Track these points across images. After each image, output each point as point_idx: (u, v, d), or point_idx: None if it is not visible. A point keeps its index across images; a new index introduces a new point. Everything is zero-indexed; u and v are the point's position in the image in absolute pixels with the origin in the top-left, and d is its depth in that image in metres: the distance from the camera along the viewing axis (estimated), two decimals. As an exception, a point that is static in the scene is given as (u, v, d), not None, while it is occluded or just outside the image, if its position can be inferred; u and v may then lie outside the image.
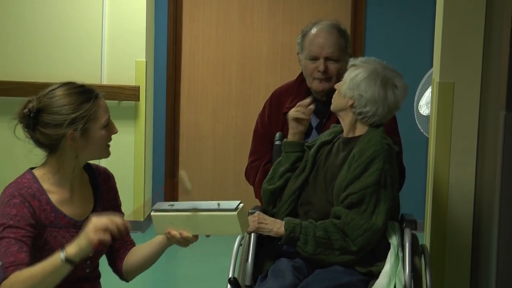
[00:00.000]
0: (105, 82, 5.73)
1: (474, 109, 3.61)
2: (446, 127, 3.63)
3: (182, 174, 2.42)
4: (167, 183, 6.29)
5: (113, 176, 2.56)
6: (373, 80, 2.91)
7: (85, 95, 2.33)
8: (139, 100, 5.75)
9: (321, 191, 2.93)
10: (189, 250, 5.18)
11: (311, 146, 3.07)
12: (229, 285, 2.87)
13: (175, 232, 2.32)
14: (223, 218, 2.28)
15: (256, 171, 3.42)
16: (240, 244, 3.10)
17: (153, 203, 6.46)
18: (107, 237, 2.16)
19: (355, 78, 2.91)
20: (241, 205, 2.30)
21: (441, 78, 3.63)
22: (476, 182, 3.62)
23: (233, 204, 2.30)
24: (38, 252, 2.29)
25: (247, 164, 3.49)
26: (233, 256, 3.03)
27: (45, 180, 2.36)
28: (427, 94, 4.70)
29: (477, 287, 3.56)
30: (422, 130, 4.81)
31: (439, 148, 3.65)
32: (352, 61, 3.00)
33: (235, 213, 2.27)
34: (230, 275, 2.91)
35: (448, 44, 3.61)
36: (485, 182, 3.40)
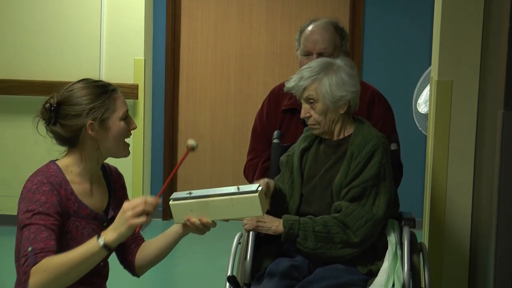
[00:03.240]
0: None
1: (473, 107, 3.61)
2: (445, 125, 3.63)
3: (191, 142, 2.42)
4: (166, 181, 6.29)
5: (122, 175, 2.61)
6: (350, 69, 2.90)
7: (102, 88, 2.41)
8: (137, 98, 5.75)
9: (319, 199, 2.92)
10: (188, 248, 5.18)
11: (290, 155, 3.03)
12: (227, 283, 2.87)
13: (194, 219, 2.35)
14: (244, 200, 2.34)
15: (254, 169, 3.42)
16: (239, 242, 3.11)
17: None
18: (147, 219, 2.21)
19: (336, 83, 2.86)
20: (260, 187, 2.36)
21: (440, 76, 3.64)
22: (475, 179, 3.62)
23: (253, 186, 2.35)
24: (59, 240, 2.31)
25: (246, 162, 3.50)
26: (232, 254, 3.03)
27: (68, 171, 2.39)
28: (426, 92, 4.71)
29: (475, 285, 3.57)
30: (420, 128, 4.82)
31: (438, 146, 3.65)
32: (302, 81, 2.88)
33: (256, 194, 2.32)
34: (229, 273, 2.91)
35: (446, 42, 3.61)
36: (483, 180, 3.41)
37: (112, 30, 5.74)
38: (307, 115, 2.91)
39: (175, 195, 2.41)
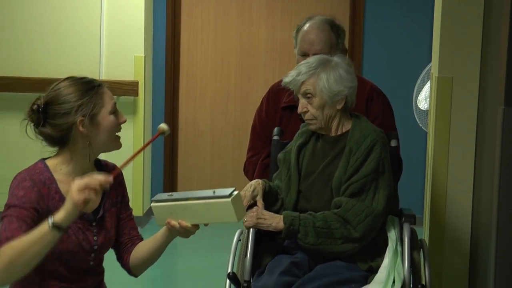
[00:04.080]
0: (103, 77, 5.73)
1: (473, 104, 3.61)
2: (445, 122, 3.63)
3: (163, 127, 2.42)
4: (166, 178, 6.29)
5: (121, 172, 2.57)
6: (347, 66, 2.91)
7: (88, 84, 2.39)
8: (137, 95, 5.75)
9: (318, 196, 2.92)
10: (188, 245, 5.17)
11: (288, 151, 3.03)
12: (228, 280, 2.87)
13: (174, 222, 2.33)
14: (218, 205, 2.27)
15: (254, 166, 3.42)
16: (239, 239, 3.11)
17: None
18: (91, 195, 2.14)
19: (334, 78, 2.86)
20: (236, 192, 2.28)
21: (440, 72, 3.63)
22: (475, 176, 3.62)
23: (227, 191, 2.28)
24: None
25: (246, 160, 3.49)
26: (232, 251, 3.03)
27: (57, 170, 2.38)
28: (426, 88, 4.70)
29: (475, 281, 3.57)
30: (421, 125, 4.81)
31: (438, 142, 3.65)
32: (299, 76, 2.88)
33: (229, 199, 2.25)
34: (229, 270, 2.91)
35: (446, 38, 3.61)
36: (483, 176, 3.41)
37: (112, 27, 5.74)
38: (304, 110, 2.91)
39: (157, 196, 2.37)
